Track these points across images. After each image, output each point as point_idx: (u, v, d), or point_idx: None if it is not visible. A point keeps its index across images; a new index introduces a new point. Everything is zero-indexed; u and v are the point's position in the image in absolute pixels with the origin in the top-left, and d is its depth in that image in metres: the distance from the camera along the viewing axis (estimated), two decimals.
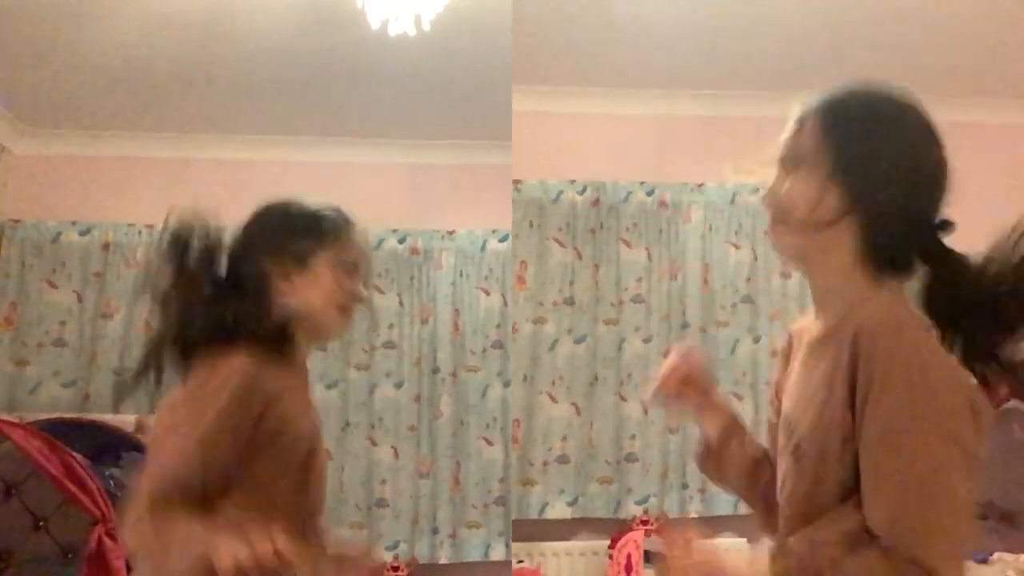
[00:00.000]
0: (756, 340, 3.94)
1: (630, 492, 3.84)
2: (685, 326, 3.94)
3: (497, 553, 4.06)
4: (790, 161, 1.19)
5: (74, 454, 3.11)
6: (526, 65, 3.67)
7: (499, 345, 4.21)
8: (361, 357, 4.15)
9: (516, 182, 3.99)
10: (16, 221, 4.13)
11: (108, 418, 3.71)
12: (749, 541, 3.73)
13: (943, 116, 1.19)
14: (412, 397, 4.16)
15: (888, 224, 1.13)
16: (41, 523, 3.35)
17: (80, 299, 4.08)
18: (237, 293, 1.46)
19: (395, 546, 4.05)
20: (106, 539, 2.96)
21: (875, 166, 1.13)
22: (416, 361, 4.19)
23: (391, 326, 4.20)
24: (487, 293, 4.27)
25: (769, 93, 3.56)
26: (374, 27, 2.91)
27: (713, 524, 3.77)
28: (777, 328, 3.88)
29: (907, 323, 1.08)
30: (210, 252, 1.47)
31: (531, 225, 3.99)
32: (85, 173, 4.23)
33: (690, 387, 1.39)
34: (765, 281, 3.97)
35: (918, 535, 0.99)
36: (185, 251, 1.44)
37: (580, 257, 3.98)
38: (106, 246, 4.12)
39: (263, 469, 1.37)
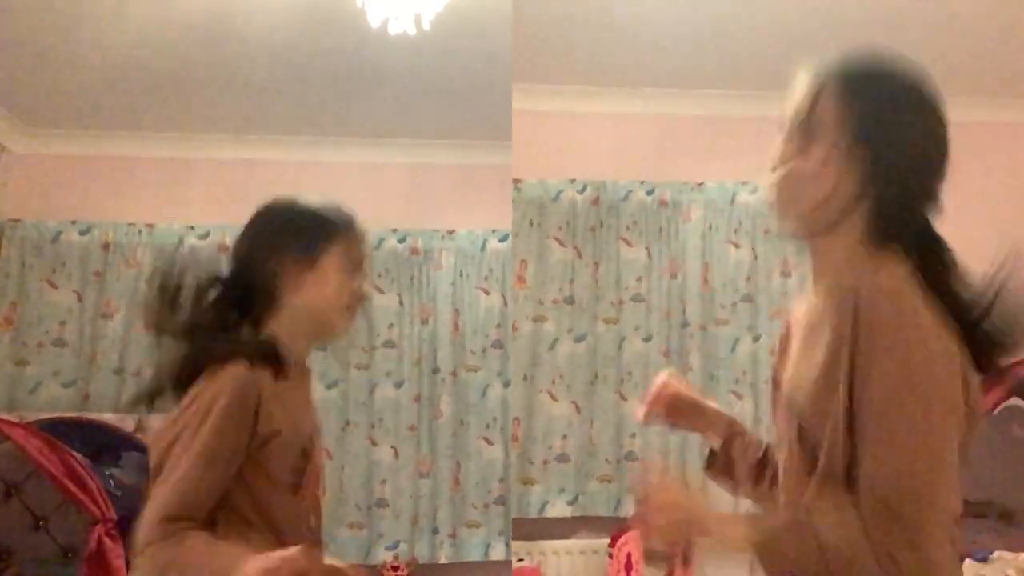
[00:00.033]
0: (756, 339, 3.94)
1: (631, 490, 3.84)
2: (685, 325, 3.94)
3: (497, 552, 4.06)
4: (804, 131, 1.15)
5: (74, 454, 3.11)
6: (526, 65, 3.67)
7: (499, 344, 4.21)
8: (361, 357, 4.15)
9: (516, 181, 3.99)
10: (16, 221, 4.13)
11: (108, 418, 3.73)
12: None
13: None
14: (412, 397, 4.16)
15: (901, 197, 1.12)
16: (41, 523, 3.35)
17: (80, 299, 4.08)
18: (246, 296, 1.46)
19: (395, 546, 4.05)
20: (106, 539, 2.96)
21: (896, 136, 1.11)
22: (416, 361, 4.19)
23: (391, 326, 4.20)
24: (487, 292, 4.27)
25: (769, 93, 3.55)
26: (374, 26, 2.91)
27: None
28: (777, 327, 3.86)
29: (906, 292, 1.06)
30: (202, 290, 1.46)
31: (531, 224, 3.99)
32: (85, 173, 4.23)
33: (677, 411, 1.41)
34: (765, 280, 3.97)
35: (907, 496, 0.99)
36: (176, 293, 1.43)
37: (580, 256, 3.98)
38: (106, 246, 4.12)
39: (255, 472, 1.37)
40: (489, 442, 4.16)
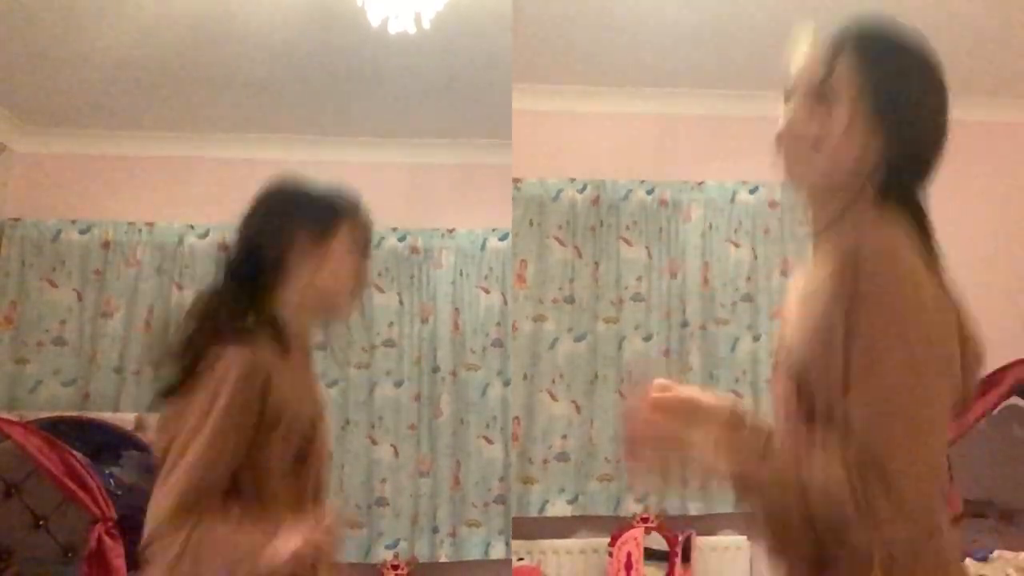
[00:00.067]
0: (756, 338, 3.95)
1: (630, 490, 3.84)
2: (685, 324, 3.94)
3: (497, 551, 4.07)
4: (817, 95, 1.16)
5: (74, 453, 3.11)
6: (526, 64, 3.67)
7: (499, 343, 4.21)
8: (361, 356, 4.15)
9: (516, 181, 4.00)
10: (16, 220, 4.13)
11: (108, 416, 3.72)
12: (750, 538, 3.74)
13: None
14: (412, 396, 4.16)
15: (913, 164, 1.14)
16: (41, 522, 3.36)
17: (80, 298, 4.08)
18: (255, 271, 1.45)
19: (395, 545, 4.05)
20: (106, 538, 2.96)
21: (913, 102, 1.14)
22: (416, 360, 4.19)
23: (391, 325, 4.20)
24: (487, 292, 4.27)
25: (769, 93, 3.55)
26: (374, 25, 2.90)
27: (714, 521, 3.78)
28: (777, 326, 3.88)
29: (907, 253, 1.07)
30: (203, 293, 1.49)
31: (531, 224, 4.00)
32: (85, 172, 4.23)
33: (672, 418, 1.36)
34: (765, 279, 3.98)
35: (888, 444, 0.98)
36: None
37: (580, 255, 3.98)
38: (106, 244, 4.13)
39: (261, 453, 1.37)
40: (489, 441, 4.16)
